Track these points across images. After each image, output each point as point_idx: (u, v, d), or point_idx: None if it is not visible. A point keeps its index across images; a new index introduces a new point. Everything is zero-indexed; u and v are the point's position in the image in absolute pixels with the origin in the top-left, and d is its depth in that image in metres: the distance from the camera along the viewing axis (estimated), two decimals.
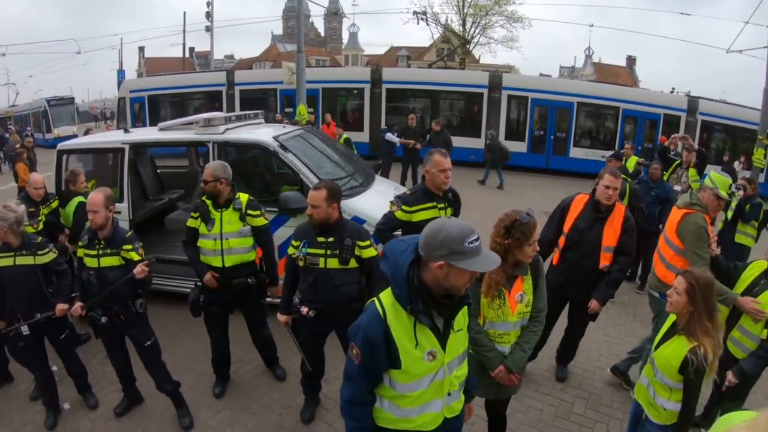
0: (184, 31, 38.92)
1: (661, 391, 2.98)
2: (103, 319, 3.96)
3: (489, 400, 3.49)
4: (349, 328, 2.28)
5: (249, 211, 4.43)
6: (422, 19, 28.39)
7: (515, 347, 3.14)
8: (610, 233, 4.27)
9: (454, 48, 43.84)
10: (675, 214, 4.20)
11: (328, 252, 3.70)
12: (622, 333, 5.85)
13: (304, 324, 3.92)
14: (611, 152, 7.45)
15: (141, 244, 4.07)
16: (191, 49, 51.82)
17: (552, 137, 18.09)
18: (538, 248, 3.04)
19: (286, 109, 19.08)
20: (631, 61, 54.75)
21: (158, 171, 7.84)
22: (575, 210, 4.44)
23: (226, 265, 4.36)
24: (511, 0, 40.09)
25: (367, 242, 3.77)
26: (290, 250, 3.86)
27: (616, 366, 4.81)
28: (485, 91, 18.38)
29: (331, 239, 3.70)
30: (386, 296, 2.19)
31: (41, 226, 5.54)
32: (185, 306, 4.57)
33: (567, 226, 4.44)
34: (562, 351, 4.98)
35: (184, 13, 35.49)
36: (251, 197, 4.56)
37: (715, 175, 4.12)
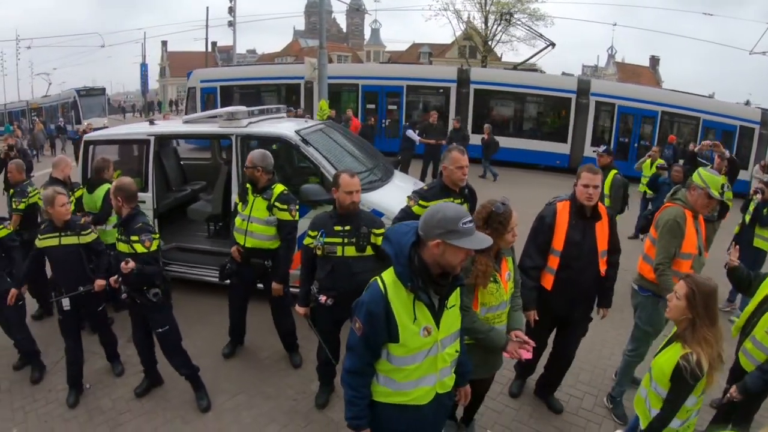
0: (206, 26, 39.29)
1: (655, 401, 2.87)
2: (123, 296, 4.24)
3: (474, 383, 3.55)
4: (353, 303, 2.46)
5: (276, 203, 4.67)
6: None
7: (512, 312, 3.35)
8: (603, 236, 3.90)
9: (476, 45, 43.74)
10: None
11: (345, 240, 3.87)
12: None
13: (322, 312, 4.04)
14: (603, 147, 6.99)
15: (153, 236, 4.20)
16: (213, 44, 52.11)
17: (635, 145, 17.57)
18: (517, 234, 3.17)
19: (368, 105, 19.39)
20: (654, 61, 54.08)
21: (181, 163, 8.02)
22: (562, 222, 3.87)
23: (246, 245, 4.74)
24: None
25: (382, 230, 3.95)
26: (307, 241, 3.99)
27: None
28: (573, 96, 17.79)
29: (347, 228, 3.87)
30: (387, 275, 2.37)
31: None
32: (206, 293, 4.76)
33: (558, 243, 3.86)
34: (553, 380, 4.46)
35: (207, 8, 35.79)
36: (286, 191, 4.78)
37: (705, 173, 3.91)
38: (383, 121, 19.34)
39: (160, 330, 4.33)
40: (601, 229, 3.89)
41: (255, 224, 4.71)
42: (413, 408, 2.47)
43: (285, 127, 6.20)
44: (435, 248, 2.21)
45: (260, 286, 4.96)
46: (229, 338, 5.22)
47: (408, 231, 2.30)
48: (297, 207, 4.78)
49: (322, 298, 3.90)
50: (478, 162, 14.61)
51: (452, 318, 2.47)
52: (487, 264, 3.08)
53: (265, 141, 6.23)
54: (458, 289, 2.47)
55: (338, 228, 3.89)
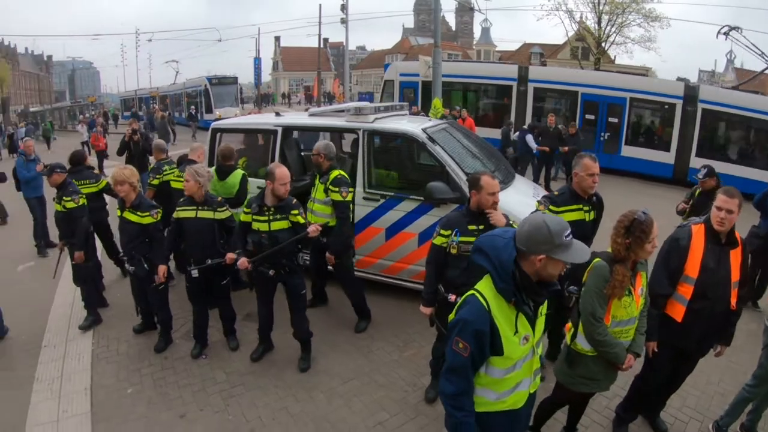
0: (319, 23, 40.44)
1: None
2: (271, 272, 4.74)
3: (583, 395, 3.59)
4: (449, 322, 2.43)
5: (330, 186, 5.32)
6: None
7: (636, 333, 3.32)
8: (736, 265, 3.57)
9: (589, 47, 41.99)
10: None
11: None
12: (748, 360, 5.20)
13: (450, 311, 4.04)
14: (704, 169, 6.06)
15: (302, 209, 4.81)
16: (325, 40, 53.68)
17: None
18: (656, 244, 3.12)
19: (587, 116, 17.26)
20: None
21: (302, 154, 8.33)
22: (698, 246, 3.54)
23: (310, 220, 5.19)
24: None
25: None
26: (438, 240, 4.02)
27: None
28: (679, 102, 15.91)
29: (481, 227, 3.89)
30: (486, 288, 2.34)
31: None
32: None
33: (693, 269, 3.51)
34: (660, 401, 4.21)
35: (320, 5, 36.79)
36: (341, 175, 5.37)
37: None
38: (602, 134, 17.26)
39: (303, 291, 4.93)
40: (735, 258, 3.58)
41: (316, 204, 5.53)
42: (512, 413, 2.50)
43: (412, 124, 6.27)
44: (538, 262, 2.22)
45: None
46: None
47: (506, 244, 2.28)
48: (350, 189, 5.39)
49: (452, 297, 3.91)
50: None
51: (542, 321, 2.49)
52: (625, 275, 3.06)
53: (391, 137, 6.35)
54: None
55: (473, 227, 3.92)
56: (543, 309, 2.45)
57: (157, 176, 7.00)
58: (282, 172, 4.61)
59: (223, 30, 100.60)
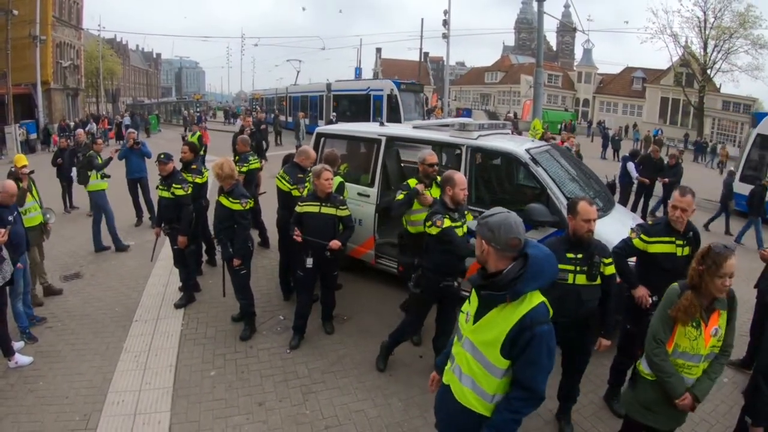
0: (421, 36, 40.92)
1: None
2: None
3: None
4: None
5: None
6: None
7: (704, 376, 3.10)
8: None
9: (693, 73, 39.96)
10: None
11: (577, 268, 3.76)
12: None
13: None
14: None
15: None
16: (426, 54, 54.07)
17: None
18: (730, 284, 2.93)
19: None
20: None
21: (402, 164, 8.36)
22: None
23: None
24: (757, 22, 35.62)
25: (610, 259, 3.87)
26: None
27: None
28: None
29: (579, 255, 3.76)
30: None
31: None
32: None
33: None
34: None
35: (422, 19, 37.12)
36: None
37: None
38: None
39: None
40: None
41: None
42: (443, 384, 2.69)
43: (515, 144, 6.13)
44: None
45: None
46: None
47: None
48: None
49: None
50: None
51: (487, 336, 2.37)
52: (692, 301, 2.96)
53: (494, 155, 6.24)
54: (499, 313, 2.37)
55: (570, 255, 3.77)
56: (493, 323, 2.37)
57: (244, 165, 8.09)
58: (460, 177, 4.58)
59: (326, 39, 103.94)
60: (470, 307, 2.49)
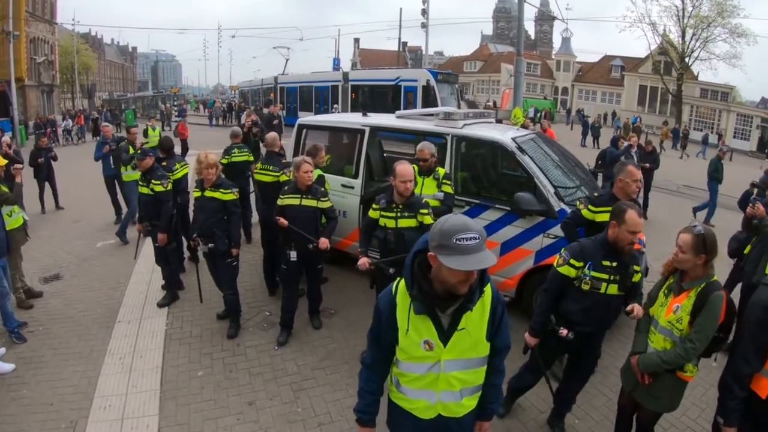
0: (400, 26, 40.89)
1: None
2: (391, 270, 4.46)
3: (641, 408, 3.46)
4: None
5: (444, 180, 5.46)
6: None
7: (655, 352, 3.19)
8: None
9: (671, 61, 40.39)
10: None
11: (611, 278, 3.46)
12: None
13: (554, 344, 3.76)
14: None
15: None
16: (404, 44, 53.96)
17: None
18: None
19: None
20: None
21: (385, 155, 8.27)
22: None
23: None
24: (735, 11, 36.19)
25: (638, 267, 3.58)
26: (566, 270, 3.54)
27: None
28: None
29: (615, 264, 3.46)
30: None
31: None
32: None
33: None
34: None
35: (401, 9, 36.95)
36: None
37: None
38: None
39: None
40: None
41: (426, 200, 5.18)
42: (414, 417, 2.39)
43: (501, 132, 6.08)
44: (433, 261, 2.07)
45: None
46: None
47: (425, 240, 2.18)
48: None
49: (563, 332, 3.59)
50: None
51: (467, 343, 2.25)
52: (667, 269, 3.24)
53: (480, 144, 6.19)
54: (485, 316, 2.28)
55: (606, 263, 3.46)
56: (472, 328, 2.23)
57: (227, 156, 7.89)
58: (402, 169, 4.47)
59: (305, 30, 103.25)
60: (424, 335, 2.22)
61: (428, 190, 5.43)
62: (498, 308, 2.31)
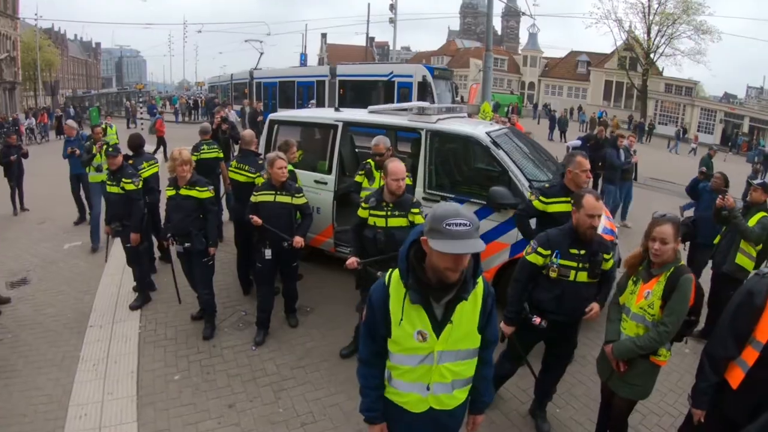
0: (368, 21, 40.96)
1: None
2: (379, 274, 4.22)
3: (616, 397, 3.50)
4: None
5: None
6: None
7: (629, 338, 3.25)
8: None
9: (637, 57, 41.14)
10: None
11: (580, 265, 3.55)
12: None
13: (527, 331, 3.81)
14: (760, 180, 5.58)
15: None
16: (371, 39, 53.86)
17: None
18: (657, 248, 3.10)
19: None
20: None
21: (356, 150, 8.24)
22: None
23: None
24: (700, 9, 37.11)
25: (610, 254, 3.66)
26: (534, 258, 3.64)
27: None
28: None
29: (583, 252, 3.55)
30: (397, 270, 2.30)
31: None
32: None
33: (764, 334, 2.68)
34: None
35: (369, 4, 36.94)
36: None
37: None
38: None
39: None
40: None
41: None
42: (405, 412, 2.41)
43: (475, 127, 6.12)
44: (425, 245, 2.11)
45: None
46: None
47: (419, 231, 2.21)
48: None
49: (536, 320, 3.66)
50: None
51: (460, 334, 2.30)
52: (636, 256, 3.31)
53: (454, 139, 6.21)
54: (478, 307, 2.32)
55: (574, 251, 3.55)
56: (464, 319, 2.28)
57: (195, 153, 7.47)
58: (395, 167, 4.38)
59: (272, 25, 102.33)
60: (417, 326, 2.25)
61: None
62: (488, 300, 2.35)
